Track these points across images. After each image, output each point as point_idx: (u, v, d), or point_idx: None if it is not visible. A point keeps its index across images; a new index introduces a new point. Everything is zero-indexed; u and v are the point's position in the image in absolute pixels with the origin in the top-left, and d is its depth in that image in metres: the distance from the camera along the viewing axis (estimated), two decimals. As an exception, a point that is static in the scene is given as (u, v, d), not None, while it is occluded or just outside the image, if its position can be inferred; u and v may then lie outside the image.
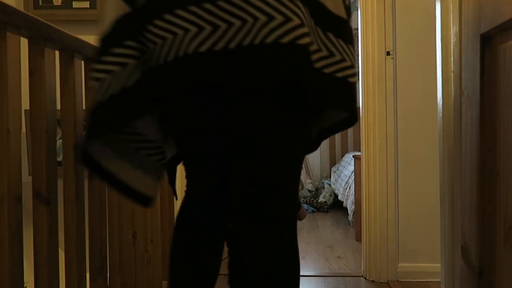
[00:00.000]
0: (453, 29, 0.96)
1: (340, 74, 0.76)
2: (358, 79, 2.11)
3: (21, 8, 2.04)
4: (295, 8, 0.69)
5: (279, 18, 0.68)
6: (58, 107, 1.02)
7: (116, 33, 0.76)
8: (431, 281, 1.90)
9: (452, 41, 0.96)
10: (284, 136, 0.77)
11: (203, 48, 0.70)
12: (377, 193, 1.94)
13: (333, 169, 4.15)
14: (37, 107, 0.92)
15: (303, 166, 0.93)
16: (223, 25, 0.69)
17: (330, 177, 4.27)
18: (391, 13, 1.92)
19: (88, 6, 2.02)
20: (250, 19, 0.68)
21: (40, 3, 2.04)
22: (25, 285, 1.96)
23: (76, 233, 1.05)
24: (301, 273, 1.81)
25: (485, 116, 0.76)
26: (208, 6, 0.68)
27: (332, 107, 0.83)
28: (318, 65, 0.74)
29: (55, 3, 2.04)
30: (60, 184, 0.99)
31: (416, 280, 1.92)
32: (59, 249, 0.98)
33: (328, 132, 0.90)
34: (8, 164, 0.80)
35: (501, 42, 0.70)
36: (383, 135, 1.93)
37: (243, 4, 0.68)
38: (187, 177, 0.94)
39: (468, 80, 0.83)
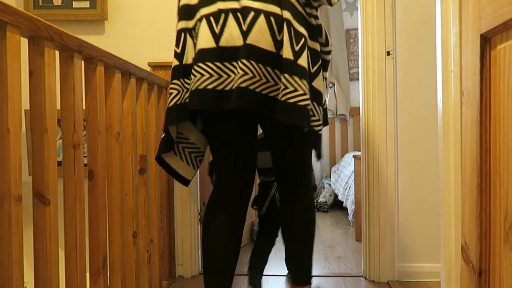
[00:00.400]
0: (453, 29, 0.96)
1: (291, 100, 1.14)
2: (359, 79, 2.13)
3: (21, 8, 2.04)
4: (252, 68, 1.15)
5: (250, 74, 1.14)
6: (58, 107, 1.02)
7: (174, 74, 1.29)
8: (431, 281, 1.90)
9: (452, 41, 0.96)
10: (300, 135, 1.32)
11: (209, 87, 1.18)
12: (377, 193, 1.94)
13: (333, 169, 4.15)
14: (37, 107, 0.92)
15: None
16: (224, 75, 1.19)
17: (330, 177, 4.28)
18: (391, 13, 1.92)
19: (88, 6, 2.02)
20: (232, 75, 1.18)
21: (40, 3, 2.04)
22: (25, 285, 1.96)
23: (76, 233, 1.05)
24: (301, 273, 1.73)
25: (485, 116, 0.76)
26: (218, 63, 1.19)
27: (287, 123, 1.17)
28: (284, 98, 1.13)
29: (55, 3, 2.04)
30: (60, 184, 0.99)
31: (416, 280, 1.92)
32: (59, 249, 0.98)
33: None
34: (8, 164, 0.80)
35: (501, 42, 0.70)
36: (383, 135, 1.93)
37: (230, 67, 1.18)
38: (216, 164, 1.37)
39: (468, 80, 0.83)
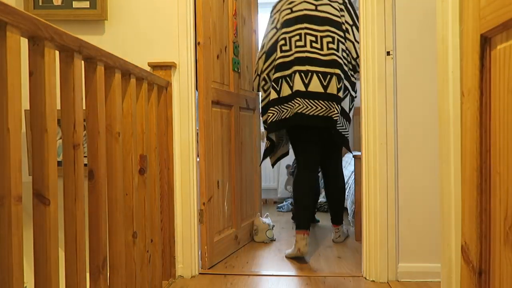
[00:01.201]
0: (453, 29, 0.96)
1: (342, 132, 2.40)
2: (359, 79, 2.15)
3: (21, 8, 2.04)
4: (334, 106, 2.28)
5: (332, 110, 2.26)
6: (58, 107, 1.02)
7: (274, 102, 2.32)
8: (431, 281, 1.90)
9: (452, 41, 0.96)
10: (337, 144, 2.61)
11: (304, 111, 2.25)
12: (377, 193, 1.94)
13: (333, 169, 4.14)
14: (37, 107, 0.92)
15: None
16: (311, 106, 2.25)
17: (330, 177, 4.27)
18: (391, 13, 1.92)
19: (88, 6, 2.02)
20: (315, 107, 2.25)
21: (40, 3, 2.04)
22: (25, 285, 1.96)
23: (76, 233, 1.05)
24: (300, 274, 1.88)
25: (485, 116, 0.76)
26: (300, 99, 2.25)
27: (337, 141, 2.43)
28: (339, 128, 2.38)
29: (55, 3, 2.04)
30: (60, 184, 0.99)
31: (416, 280, 1.92)
32: (59, 249, 0.98)
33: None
34: (8, 164, 0.80)
35: (501, 42, 0.70)
36: (383, 135, 1.93)
37: (320, 103, 2.26)
38: (295, 155, 2.48)
39: (468, 80, 0.83)
